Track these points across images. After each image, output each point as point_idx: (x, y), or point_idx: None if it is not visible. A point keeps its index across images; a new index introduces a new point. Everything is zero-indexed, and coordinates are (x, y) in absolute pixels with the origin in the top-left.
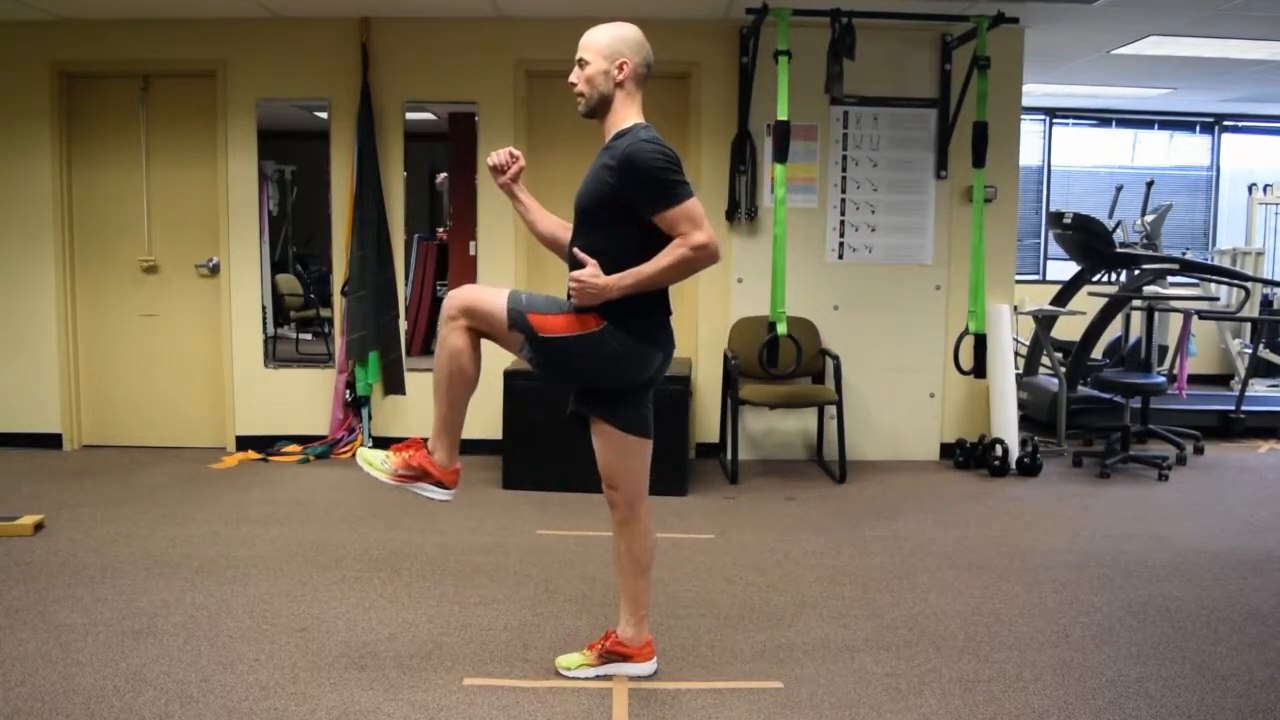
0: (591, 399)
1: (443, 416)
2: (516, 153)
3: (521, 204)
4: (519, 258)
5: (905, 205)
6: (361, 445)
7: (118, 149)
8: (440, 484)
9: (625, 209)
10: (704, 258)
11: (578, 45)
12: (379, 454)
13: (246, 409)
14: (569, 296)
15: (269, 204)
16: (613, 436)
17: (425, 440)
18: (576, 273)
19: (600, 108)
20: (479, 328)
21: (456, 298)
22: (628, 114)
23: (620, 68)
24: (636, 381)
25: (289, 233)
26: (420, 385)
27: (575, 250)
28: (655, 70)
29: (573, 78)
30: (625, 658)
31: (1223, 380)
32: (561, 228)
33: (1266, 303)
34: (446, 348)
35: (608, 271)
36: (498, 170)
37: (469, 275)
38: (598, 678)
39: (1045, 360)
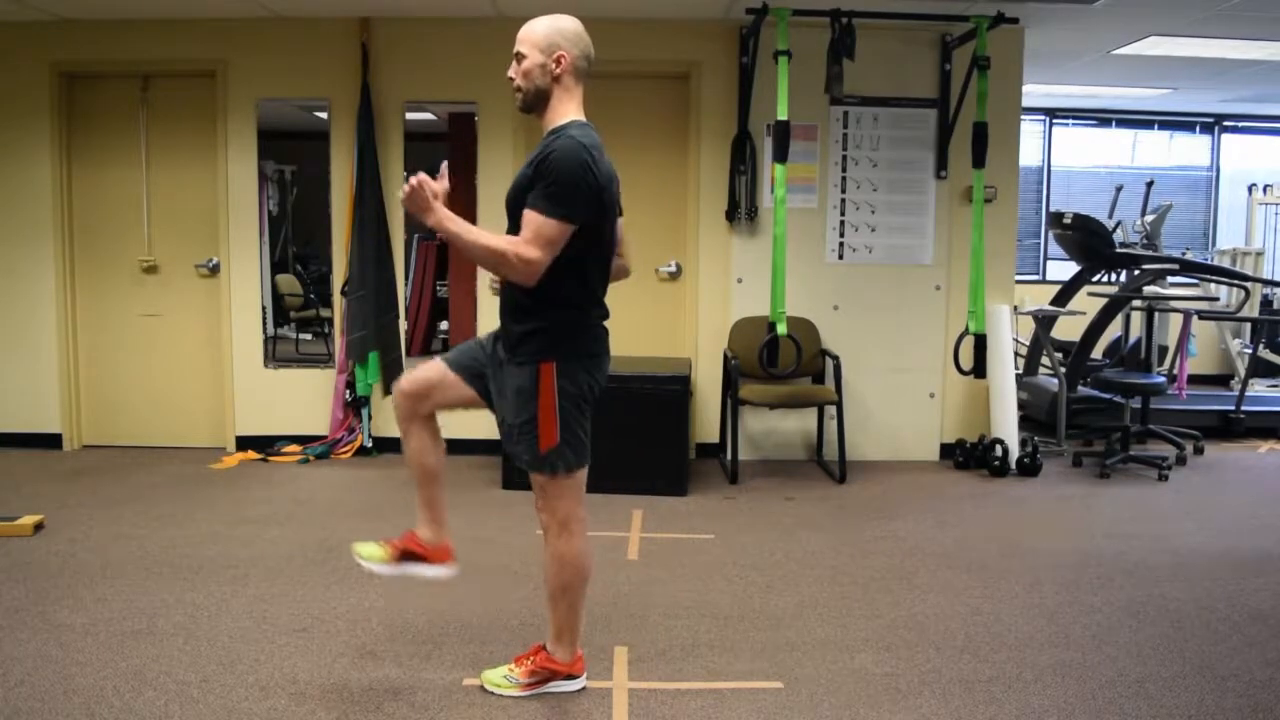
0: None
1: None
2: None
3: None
4: None
5: (905, 205)
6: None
7: (118, 149)
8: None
9: (581, 221)
10: (518, 268)
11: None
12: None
13: (246, 409)
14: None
15: (269, 204)
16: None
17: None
18: (421, 174)
19: (537, 103)
20: (575, 503)
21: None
22: (566, 109)
23: (558, 61)
24: (598, 388)
25: (289, 233)
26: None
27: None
28: (655, 70)
29: (510, 72)
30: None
31: (1223, 380)
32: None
33: (1266, 303)
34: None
35: (539, 285)
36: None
37: (469, 274)
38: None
39: (1045, 360)
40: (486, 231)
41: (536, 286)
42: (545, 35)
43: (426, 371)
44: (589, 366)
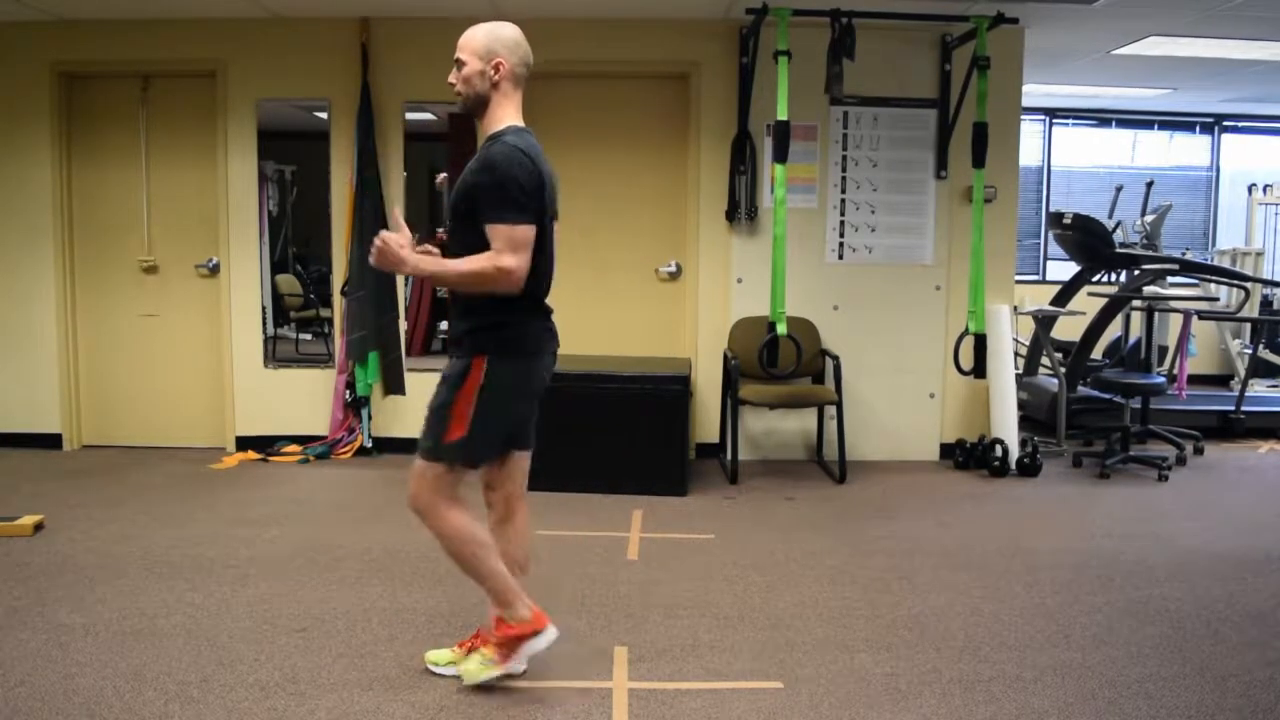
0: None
1: (488, 587)
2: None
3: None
4: None
5: (905, 205)
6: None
7: (118, 149)
8: (536, 633)
9: (536, 219)
10: (502, 280)
11: (456, 45)
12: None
13: (246, 409)
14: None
15: (269, 204)
16: (515, 457)
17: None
18: (382, 233)
19: (477, 108)
20: (445, 499)
21: (412, 504)
22: (504, 115)
23: (496, 68)
24: (542, 390)
25: (289, 233)
26: (420, 385)
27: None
28: (655, 70)
29: (451, 78)
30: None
31: (1223, 380)
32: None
33: (1266, 303)
34: (444, 539)
35: None
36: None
37: None
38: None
39: (1045, 360)
40: (459, 259)
41: None
42: (484, 43)
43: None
44: (527, 364)
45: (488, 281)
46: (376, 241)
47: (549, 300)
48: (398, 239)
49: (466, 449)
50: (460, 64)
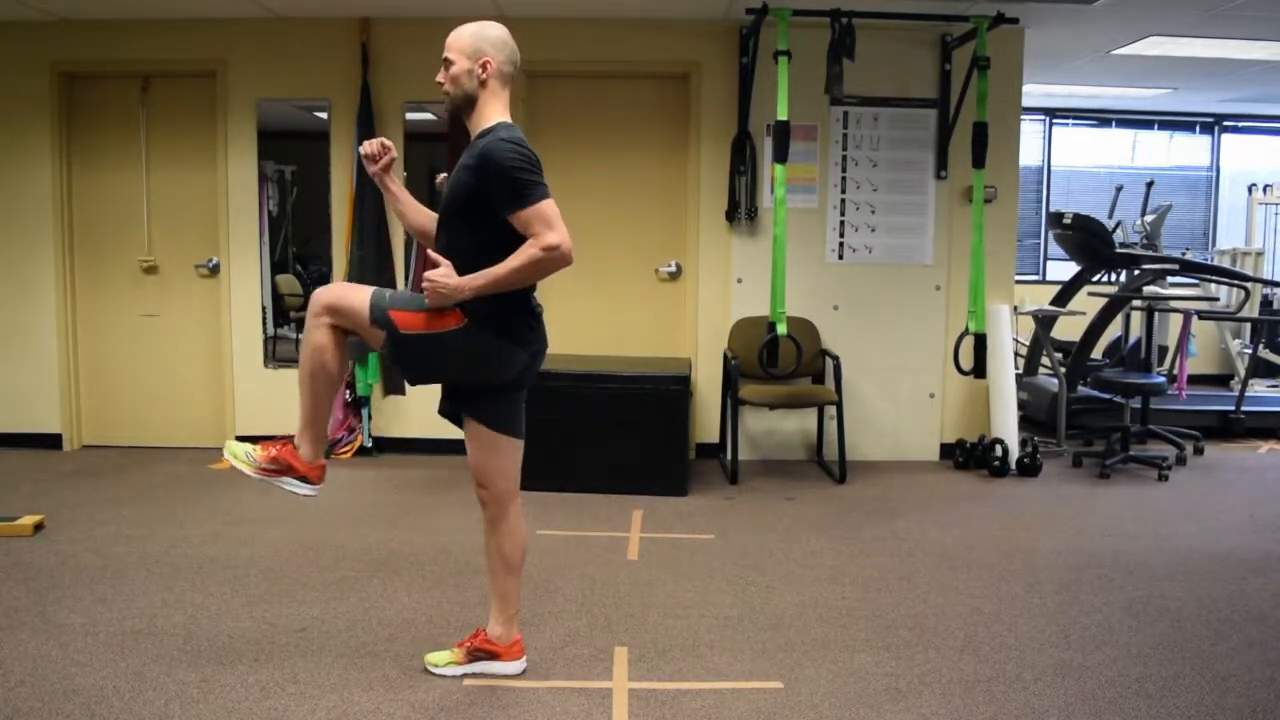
0: (461, 396)
1: (307, 412)
2: (389, 143)
3: (392, 194)
4: None
5: (905, 205)
6: (230, 440)
7: (118, 149)
8: (305, 479)
9: (484, 208)
10: (556, 259)
11: (446, 45)
12: (245, 447)
13: (246, 409)
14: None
15: (269, 204)
16: (482, 435)
17: (292, 437)
18: (429, 273)
19: (466, 106)
20: (343, 324)
21: (321, 296)
22: (492, 113)
23: (484, 66)
24: (502, 380)
25: (289, 233)
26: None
27: (429, 252)
28: (655, 70)
29: (439, 77)
30: (493, 655)
31: (1223, 380)
32: (430, 220)
33: (1266, 303)
34: (310, 344)
35: (467, 270)
36: (370, 159)
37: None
38: (464, 676)
39: (1045, 360)
40: (505, 262)
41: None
42: (471, 42)
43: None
44: (504, 351)
45: (542, 266)
46: (425, 284)
47: (538, 297)
48: (443, 272)
49: (389, 310)
50: (448, 63)
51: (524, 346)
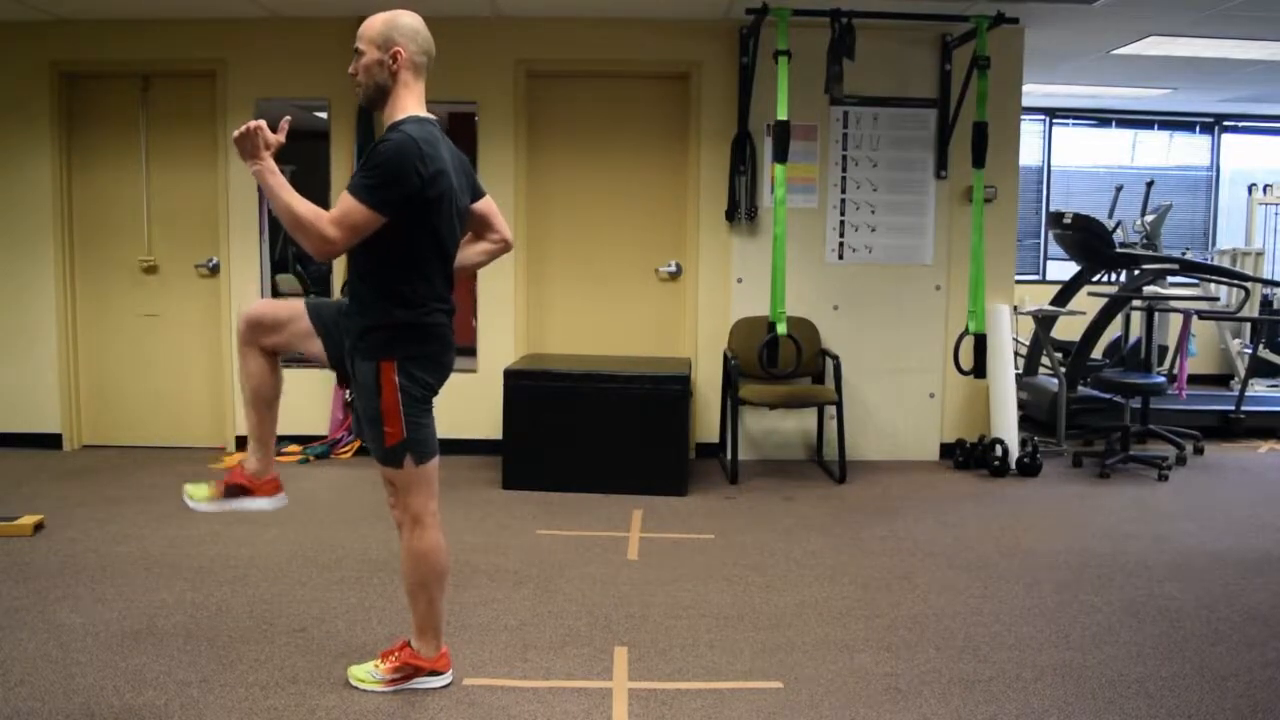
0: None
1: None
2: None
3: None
4: (517, 256)
5: (905, 205)
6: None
7: (118, 149)
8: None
9: (393, 214)
10: (314, 242)
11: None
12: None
13: None
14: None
15: (269, 204)
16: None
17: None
18: (259, 122)
19: (377, 98)
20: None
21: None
22: (405, 104)
23: (394, 57)
24: (437, 389)
25: (289, 232)
26: None
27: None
28: (655, 70)
29: (350, 68)
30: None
31: (1223, 380)
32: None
33: (1266, 303)
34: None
35: (358, 259)
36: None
37: (468, 274)
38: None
39: (1045, 360)
40: (301, 197)
41: (380, 283)
42: (381, 31)
43: (282, 308)
44: (429, 367)
45: (300, 231)
46: (250, 124)
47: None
48: (269, 134)
49: (412, 446)
50: (359, 53)
51: (445, 351)
